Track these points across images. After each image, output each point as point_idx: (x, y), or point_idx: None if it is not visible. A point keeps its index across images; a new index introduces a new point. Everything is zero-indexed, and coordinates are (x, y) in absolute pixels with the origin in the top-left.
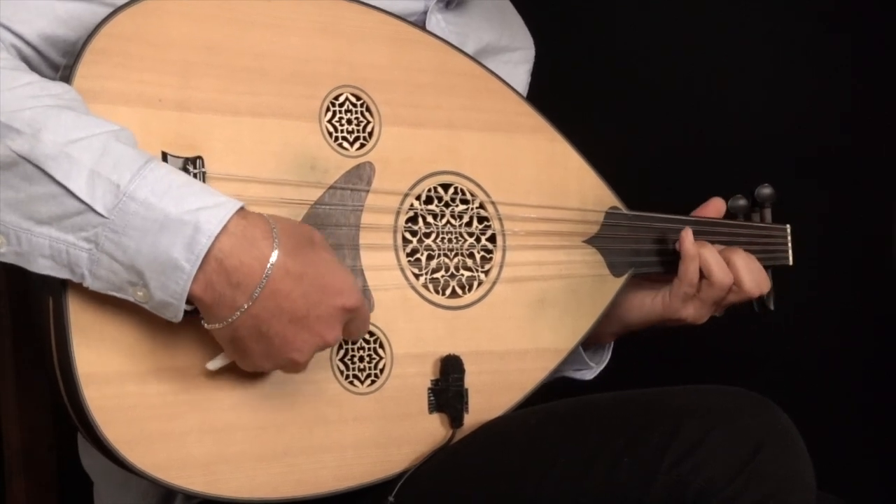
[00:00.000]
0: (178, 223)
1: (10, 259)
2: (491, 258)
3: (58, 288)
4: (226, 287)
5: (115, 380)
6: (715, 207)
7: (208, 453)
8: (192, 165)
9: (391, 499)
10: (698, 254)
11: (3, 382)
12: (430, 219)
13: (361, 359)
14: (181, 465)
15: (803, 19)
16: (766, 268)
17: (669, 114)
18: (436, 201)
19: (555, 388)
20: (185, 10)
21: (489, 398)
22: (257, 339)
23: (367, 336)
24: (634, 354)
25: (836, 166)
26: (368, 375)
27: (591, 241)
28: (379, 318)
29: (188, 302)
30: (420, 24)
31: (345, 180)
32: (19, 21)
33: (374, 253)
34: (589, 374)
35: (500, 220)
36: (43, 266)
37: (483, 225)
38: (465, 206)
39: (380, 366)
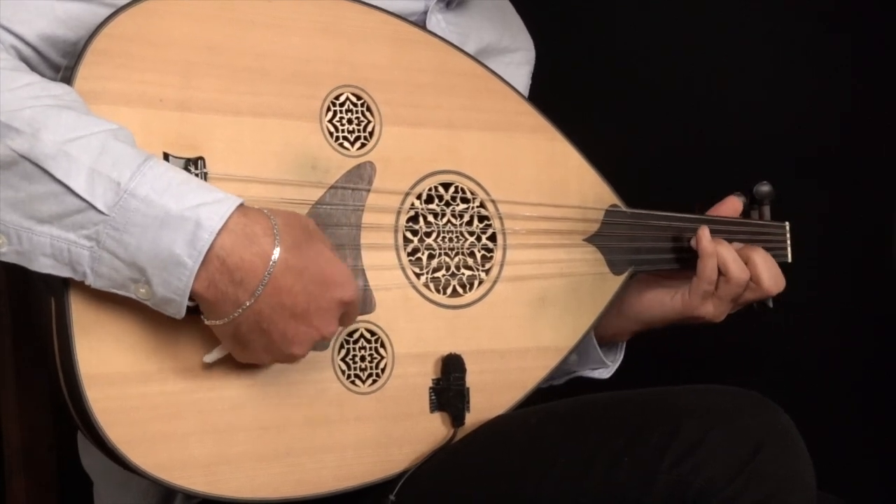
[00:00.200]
0: (180, 219)
1: (12, 258)
2: (491, 257)
3: (60, 288)
4: (228, 285)
5: (118, 380)
6: (731, 206)
7: (210, 453)
8: (193, 166)
9: (392, 498)
10: (716, 251)
11: (3, 382)
12: (430, 218)
13: (363, 358)
14: (183, 465)
15: (803, 19)
16: None
17: (669, 113)
18: (436, 200)
19: (555, 388)
20: (185, 11)
21: (490, 397)
22: (258, 334)
23: (368, 335)
24: (634, 354)
25: (836, 166)
26: (370, 375)
27: (591, 239)
28: (380, 318)
29: (190, 298)
30: (420, 23)
31: (346, 180)
32: (19, 22)
33: (376, 252)
34: (606, 373)
35: (500, 218)
36: (44, 265)
37: (484, 224)
38: (465, 206)
39: (381, 365)
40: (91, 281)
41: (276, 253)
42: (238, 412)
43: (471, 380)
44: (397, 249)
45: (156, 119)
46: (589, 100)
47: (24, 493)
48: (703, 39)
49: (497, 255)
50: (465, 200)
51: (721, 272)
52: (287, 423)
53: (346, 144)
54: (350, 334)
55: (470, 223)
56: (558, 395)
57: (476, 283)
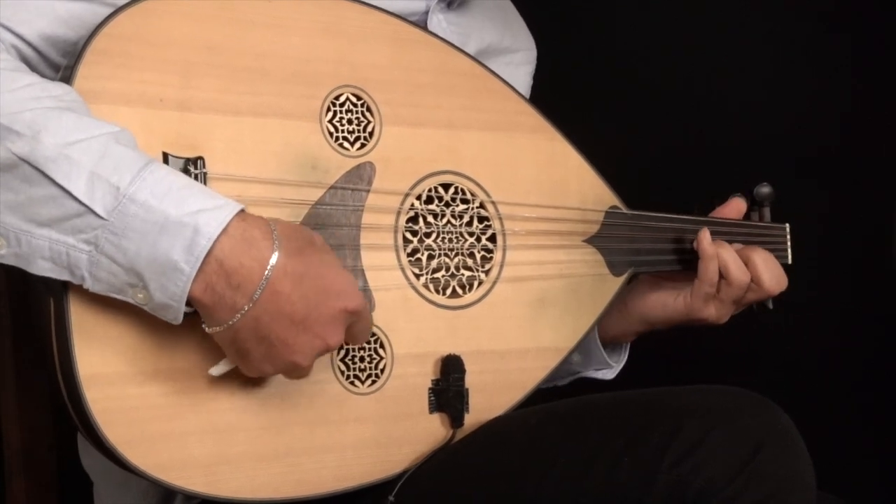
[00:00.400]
0: (178, 225)
1: (10, 261)
2: (491, 258)
3: (59, 290)
4: (226, 289)
5: (117, 381)
6: (735, 207)
7: (209, 454)
8: (193, 166)
9: (391, 498)
10: (717, 253)
11: (3, 382)
12: (430, 218)
13: (362, 359)
14: (182, 465)
15: (803, 19)
16: None
17: (669, 113)
18: (436, 201)
19: (555, 389)
20: (185, 10)
21: (490, 398)
22: (258, 341)
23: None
24: (635, 355)
25: (836, 166)
26: (369, 376)
27: (591, 240)
28: (379, 319)
29: (188, 304)
30: (421, 24)
31: (345, 180)
32: (19, 21)
33: (375, 253)
34: (610, 374)
35: (500, 219)
36: (43, 268)
37: (483, 224)
38: (465, 206)
39: (380, 366)
40: (89, 285)
41: (275, 258)
42: (237, 412)
43: (470, 380)
44: (397, 250)
45: (155, 119)
46: (589, 100)
47: (24, 494)
48: (703, 39)
49: (497, 255)
50: (464, 201)
51: (721, 275)
52: (287, 423)
53: (346, 144)
54: None
55: (470, 224)
56: (559, 395)
57: (476, 283)
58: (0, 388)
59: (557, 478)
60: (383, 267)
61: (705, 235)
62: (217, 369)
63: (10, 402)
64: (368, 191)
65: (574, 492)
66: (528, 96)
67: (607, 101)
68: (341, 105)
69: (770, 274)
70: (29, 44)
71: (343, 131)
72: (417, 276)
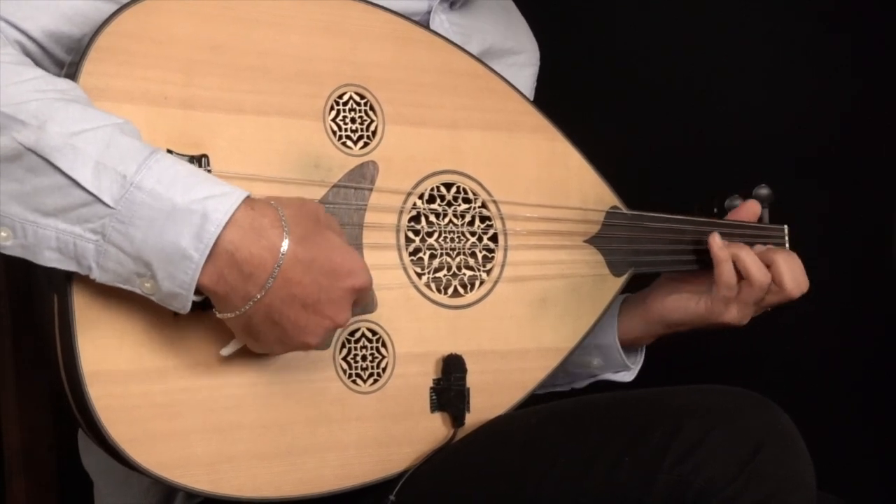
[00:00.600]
0: (186, 212)
1: (17, 252)
2: (493, 257)
3: (63, 285)
4: (238, 279)
5: (120, 378)
6: (751, 210)
7: (212, 452)
8: (196, 163)
9: (392, 498)
10: (731, 256)
11: (3, 382)
12: (432, 218)
13: (364, 358)
14: (185, 463)
15: (803, 19)
16: None
17: (669, 113)
18: (438, 200)
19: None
20: (189, 9)
21: (491, 397)
22: (271, 325)
23: (369, 335)
24: None
25: (836, 166)
26: (371, 374)
27: (592, 240)
28: (382, 317)
29: (197, 292)
30: (423, 24)
31: (348, 179)
32: (24, 17)
33: (377, 252)
34: (629, 376)
35: (501, 219)
36: (49, 259)
37: (485, 224)
38: (467, 206)
39: (382, 365)
40: (96, 275)
41: (285, 245)
42: (240, 411)
43: (471, 380)
44: (399, 249)
45: (159, 116)
46: (589, 100)
47: (24, 494)
48: (703, 39)
49: (498, 255)
50: (466, 200)
51: (742, 276)
52: (289, 421)
53: (349, 143)
54: (351, 333)
55: (471, 223)
56: (559, 395)
57: (477, 283)
58: (0, 388)
59: (558, 477)
60: (385, 266)
61: (715, 240)
62: (227, 350)
63: (10, 402)
64: (371, 190)
65: (574, 491)
66: (531, 98)
67: (607, 101)
68: (344, 104)
69: (792, 276)
70: (33, 40)
71: (346, 130)
72: (419, 276)
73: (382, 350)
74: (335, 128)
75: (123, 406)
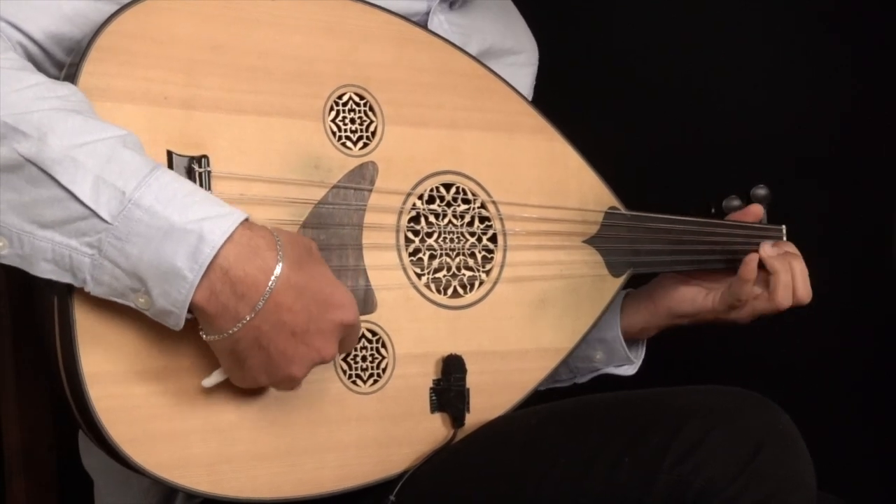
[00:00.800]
0: (182, 232)
1: (13, 261)
2: (492, 258)
3: (63, 287)
4: (230, 297)
5: (120, 379)
6: (754, 213)
7: (211, 453)
8: (197, 164)
9: (392, 498)
10: (789, 266)
11: (3, 382)
12: (432, 218)
13: (364, 358)
14: (185, 464)
15: (803, 18)
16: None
17: (668, 113)
18: (438, 201)
19: (556, 389)
20: (190, 9)
21: (490, 398)
22: (257, 351)
23: (369, 336)
24: None
25: (836, 166)
26: (371, 375)
27: (591, 241)
28: (381, 318)
29: (189, 311)
30: (422, 24)
31: (348, 179)
32: (25, 19)
33: (377, 252)
34: (631, 370)
35: (501, 219)
36: (45, 270)
37: (484, 225)
38: (466, 206)
39: (382, 365)
40: (91, 288)
41: (279, 268)
42: (240, 411)
43: (471, 380)
44: (399, 249)
45: (160, 117)
46: (587, 99)
47: (24, 494)
48: (701, 39)
49: (497, 256)
50: (465, 201)
51: (774, 286)
52: (289, 422)
53: (349, 144)
54: None
55: (471, 224)
56: (559, 395)
57: (477, 283)
58: (0, 388)
59: (558, 478)
60: (385, 266)
61: (767, 250)
62: (210, 381)
63: (10, 402)
64: (371, 190)
65: (574, 492)
66: (530, 98)
67: (606, 100)
68: (344, 104)
69: (804, 287)
70: (34, 41)
71: (346, 131)
72: (419, 276)
73: (382, 351)
74: (335, 128)
75: (123, 406)
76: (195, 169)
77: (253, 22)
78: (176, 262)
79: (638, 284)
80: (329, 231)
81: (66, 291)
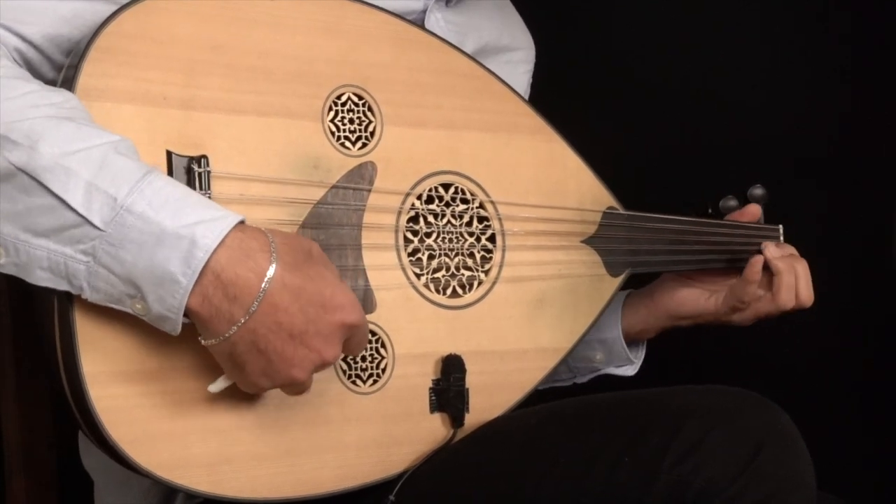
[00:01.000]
0: (175, 237)
1: (10, 270)
2: (491, 258)
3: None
4: (223, 300)
5: (121, 379)
6: (752, 213)
7: (211, 453)
8: (196, 164)
9: (392, 498)
10: (792, 267)
11: (3, 382)
12: (430, 218)
13: (363, 358)
14: (185, 464)
15: (801, 19)
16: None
17: (666, 113)
18: (436, 201)
19: (555, 388)
20: (189, 9)
21: (490, 398)
22: (256, 355)
23: (368, 336)
24: None
25: (835, 166)
26: (371, 375)
27: (589, 241)
28: (381, 318)
29: (185, 315)
30: (419, 22)
31: (347, 180)
32: (22, 22)
33: (376, 252)
34: (631, 370)
35: (499, 219)
36: (41, 278)
37: (483, 225)
38: (465, 206)
39: (382, 365)
40: (88, 295)
41: (272, 270)
42: (240, 412)
43: (470, 380)
44: (398, 249)
45: (159, 117)
46: (585, 99)
47: (24, 493)
48: (700, 38)
49: (496, 256)
50: (464, 201)
51: (777, 287)
52: (288, 422)
53: (348, 144)
54: None
55: (469, 224)
56: (559, 395)
57: (475, 283)
58: (0, 388)
59: (557, 478)
60: (384, 266)
61: (771, 251)
62: (215, 386)
63: (10, 402)
64: (370, 190)
65: (574, 492)
66: (526, 95)
67: (603, 100)
68: (343, 105)
69: (807, 288)
70: (32, 44)
71: (345, 131)
72: (418, 276)
73: (382, 351)
74: (334, 128)
75: (124, 407)
76: (194, 169)
77: (251, 22)
78: (169, 267)
79: (637, 284)
80: (328, 231)
81: (66, 293)
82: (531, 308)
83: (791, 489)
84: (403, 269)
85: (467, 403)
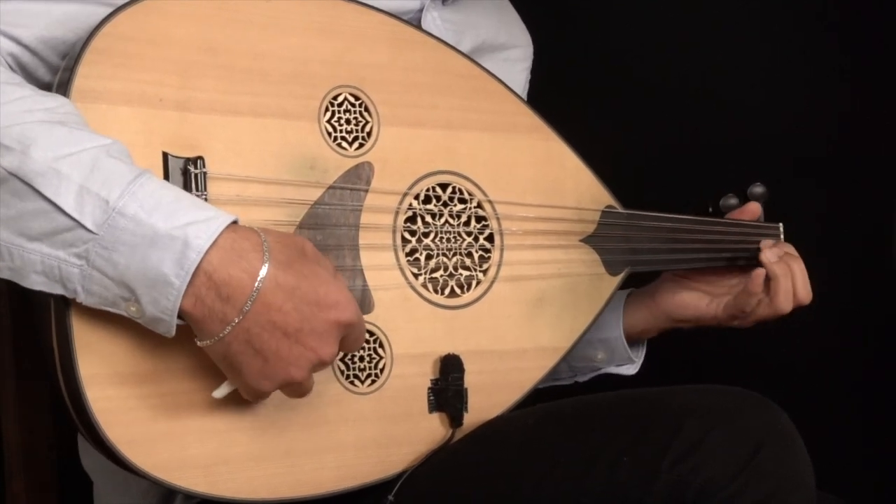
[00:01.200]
0: (168, 239)
1: (5, 275)
2: (489, 257)
3: None
4: (216, 301)
5: (117, 380)
6: (752, 211)
7: (209, 454)
8: (192, 166)
9: (391, 498)
10: (789, 270)
11: (3, 383)
12: (428, 218)
13: (361, 359)
14: (183, 465)
15: (800, 18)
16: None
17: (665, 112)
18: (434, 201)
19: (555, 388)
20: (184, 10)
21: (489, 397)
22: (251, 355)
23: (367, 336)
24: None
25: (835, 166)
26: (369, 375)
27: (588, 240)
28: (379, 318)
29: (180, 317)
30: (416, 21)
31: (344, 180)
32: (17, 26)
33: (374, 253)
34: (632, 369)
35: (497, 219)
36: (36, 282)
37: (481, 224)
38: (462, 206)
39: (380, 366)
40: (82, 298)
41: (265, 270)
42: (238, 412)
43: (469, 380)
44: (396, 250)
45: (155, 119)
46: (584, 98)
47: (24, 494)
48: (699, 37)
49: (494, 255)
50: (462, 201)
51: (775, 293)
52: (287, 423)
53: (345, 145)
54: None
55: (467, 223)
56: (558, 395)
57: (474, 283)
58: (0, 388)
59: (557, 478)
60: (382, 266)
61: (767, 254)
62: (220, 391)
63: (10, 402)
64: (367, 191)
65: (574, 492)
66: (525, 93)
67: (602, 99)
68: (339, 105)
69: (805, 288)
70: (26, 47)
71: (341, 131)
72: (416, 276)
73: (380, 351)
74: (330, 129)
75: (121, 408)
76: (191, 170)
77: (247, 23)
78: (162, 268)
79: (636, 283)
80: (325, 231)
81: (62, 296)
82: (530, 307)
83: (791, 489)
84: (401, 269)
85: (466, 403)
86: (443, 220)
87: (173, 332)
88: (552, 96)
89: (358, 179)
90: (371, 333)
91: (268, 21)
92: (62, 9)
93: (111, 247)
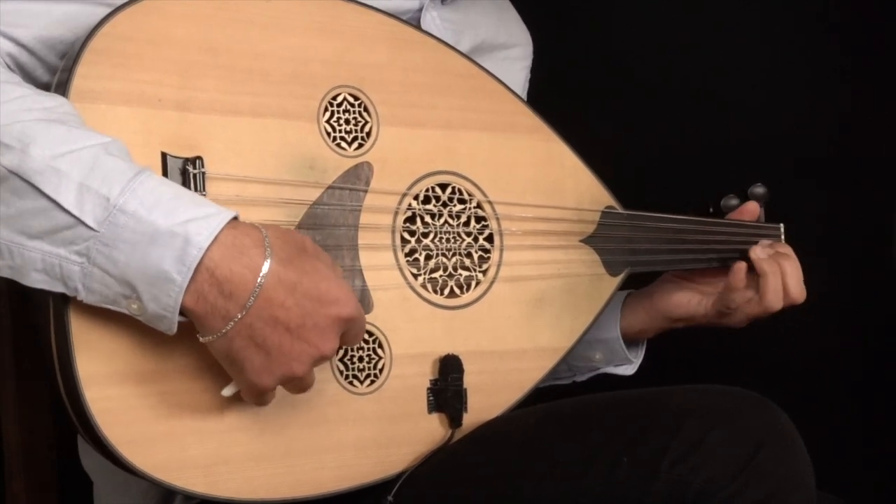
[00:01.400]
0: (168, 235)
1: (5, 273)
2: (488, 258)
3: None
4: (218, 297)
5: (116, 380)
6: (751, 211)
7: (209, 454)
8: (192, 166)
9: (390, 499)
10: (779, 268)
11: (3, 382)
12: (428, 219)
13: (361, 359)
14: (182, 465)
15: (801, 18)
16: None
17: (666, 113)
18: (433, 201)
19: (554, 387)
20: (184, 10)
21: (488, 398)
22: (254, 350)
23: (366, 336)
24: None
25: (835, 166)
26: (368, 376)
27: (588, 240)
28: (378, 318)
29: (181, 314)
30: (415, 21)
31: (343, 180)
32: (16, 26)
33: (373, 253)
34: (630, 370)
35: (497, 219)
36: (36, 280)
37: (480, 224)
38: (462, 206)
39: (379, 366)
40: (83, 296)
41: (267, 265)
42: (237, 413)
43: (468, 380)
44: (395, 250)
45: (154, 119)
46: (585, 98)
47: (24, 494)
48: (700, 38)
49: (494, 255)
50: (461, 201)
51: (763, 290)
52: (286, 423)
53: (344, 145)
54: None
55: (467, 224)
56: (558, 395)
57: (473, 283)
58: (0, 388)
59: (557, 478)
60: (382, 267)
61: (757, 252)
62: (228, 390)
63: (10, 402)
64: (366, 191)
65: (573, 492)
66: (524, 92)
67: (603, 100)
68: (339, 105)
69: (798, 286)
70: (25, 48)
71: (341, 131)
72: (415, 276)
73: (379, 351)
74: (329, 129)
75: (119, 408)
76: (190, 170)
77: (247, 23)
78: (164, 265)
79: (636, 284)
80: (324, 232)
81: (62, 294)
82: (530, 308)
83: (790, 489)
84: (400, 270)
85: (465, 403)
86: (442, 221)
87: (175, 329)
88: (553, 96)
89: (357, 179)
90: (370, 334)
91: (268, 21)
92: (62, 9)
93: (112, 244)
